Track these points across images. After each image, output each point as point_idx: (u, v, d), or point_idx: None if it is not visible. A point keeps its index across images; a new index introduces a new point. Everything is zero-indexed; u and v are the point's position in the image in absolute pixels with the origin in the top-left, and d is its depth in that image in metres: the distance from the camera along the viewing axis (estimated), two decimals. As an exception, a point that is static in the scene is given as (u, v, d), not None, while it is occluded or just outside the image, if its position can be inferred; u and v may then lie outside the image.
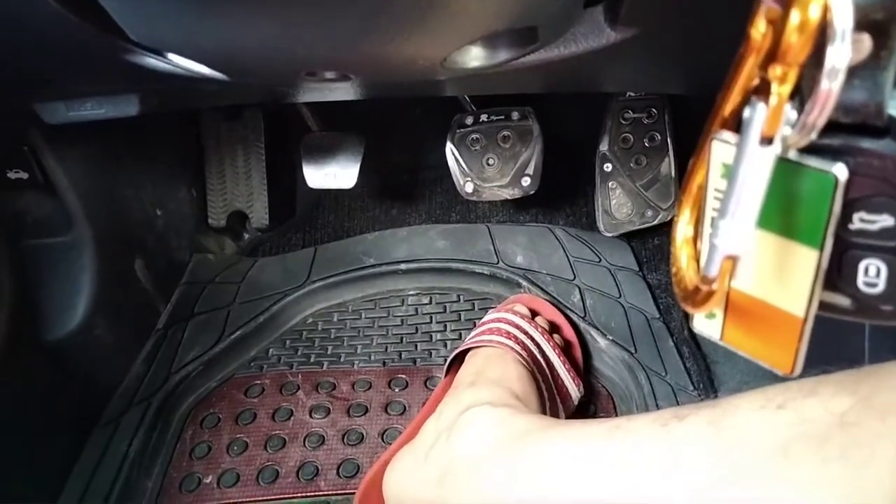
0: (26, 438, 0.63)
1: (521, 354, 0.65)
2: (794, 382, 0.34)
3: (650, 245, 0.87)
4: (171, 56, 0.38)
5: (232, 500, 0.65)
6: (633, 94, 0.81)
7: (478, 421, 0.52)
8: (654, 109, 0.81)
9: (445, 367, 0.70)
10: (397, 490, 0.57)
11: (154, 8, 0.28)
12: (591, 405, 0.76)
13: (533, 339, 0.69)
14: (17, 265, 0.65)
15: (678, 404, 0.71)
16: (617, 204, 0.84)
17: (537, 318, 0.74)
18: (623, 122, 0.82)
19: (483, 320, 0.74)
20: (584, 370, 0.76)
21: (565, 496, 0.41)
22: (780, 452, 0.31)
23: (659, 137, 0.82)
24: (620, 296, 0.81)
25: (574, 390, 0.70)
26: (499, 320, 0.71)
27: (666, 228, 0.83)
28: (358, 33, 0.31)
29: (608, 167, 0.83)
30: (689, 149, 0.28)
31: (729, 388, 0.73)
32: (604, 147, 0.82)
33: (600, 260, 0.84)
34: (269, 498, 0.65)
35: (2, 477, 0.59)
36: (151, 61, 0.38)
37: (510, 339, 0.67)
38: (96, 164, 0.69)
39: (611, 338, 0.76)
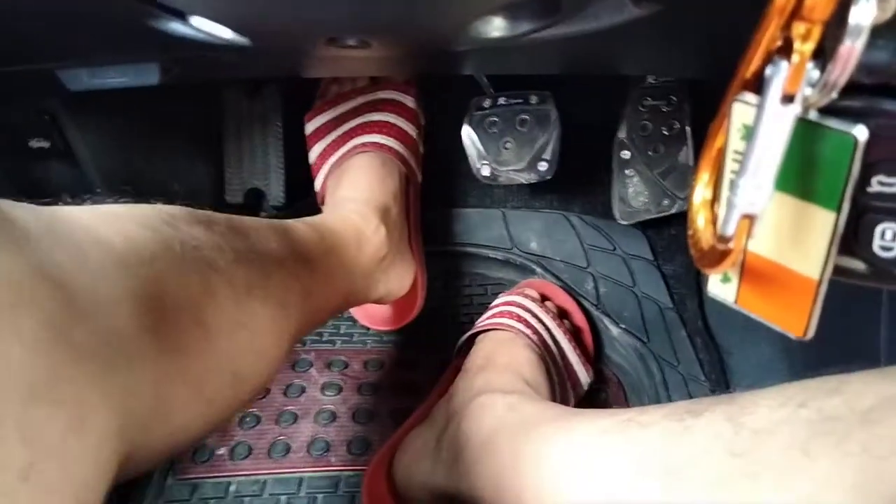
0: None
1: (531, 339, 0.65)
2: (813, 381, 0.34)
3: (666, 234, 0.86)
4: (195, 20, 0.38)
5: (243, 472, 0.66)
6: (652, 80, 0.80)
7: (489, 407, 0.52)
8: (673, 97, 0.81)
9: (456, 349, 0.71)
10: (407, 472, 0.57)
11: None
12: (602, 392, 0.76)
13: (543, 323, 0.69)
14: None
15: (689, 394, 0.71)
16: (634, 192, 0.83)
17: (547, 303, 0.74)
18: (642, 109, 0.81)
19: (494, 303, 0.74)
20: (596, 358, 0.76)
21: (576, 489, 0.40)
22: (800, 450, 0.30)
23: (678, 126, 0.81)
24: (634, 285, 0.80)
25: (584, 376, 0.70)
26: (510, 303, 0.71)
27: (682, 218, 0.83)
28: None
29: (626, 154, 0.82)
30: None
31: (742, 379, 0.72)
32: (622, 134, 0.82)
33: (615, 248, 0.84)
34: (280, 471, 0.66)
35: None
36: (175, 26, 0.39)
37: (521, 322, 0.67)
38: (117, 134, 0.69)
39: (623, 326, 0.76)
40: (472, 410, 0.53)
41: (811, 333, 0.27)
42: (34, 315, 0.24)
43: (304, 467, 0.66)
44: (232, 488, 0.65)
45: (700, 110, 0.81)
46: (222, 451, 0.68)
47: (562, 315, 0.74)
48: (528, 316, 0.68)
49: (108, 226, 0.33)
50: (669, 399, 0.70)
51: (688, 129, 0.81)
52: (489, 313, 0.72)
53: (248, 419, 0.70)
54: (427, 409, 0.64)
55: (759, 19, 0.23)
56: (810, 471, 0.30)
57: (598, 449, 0.41)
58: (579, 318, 0.77)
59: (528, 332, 0.66)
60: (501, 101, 0.79)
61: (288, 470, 0.66)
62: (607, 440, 0.41)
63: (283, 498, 0.64)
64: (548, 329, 0.69)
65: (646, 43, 0.49)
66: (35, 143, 0.62)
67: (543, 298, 0.75)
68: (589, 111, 0.84)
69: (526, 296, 0.72)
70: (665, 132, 0.81)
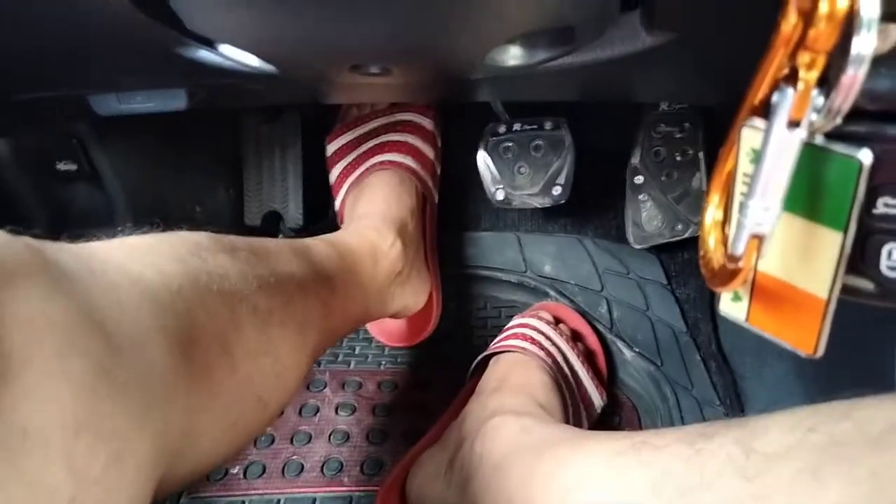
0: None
1: (545, 361, 0.66)
2: (825, 405, 0.34)
3: (679, 259, 0.86)
4: (223, 48, 0.39)
5: (257, 492, 0.66)
6: (666, 107, 0.81)
7: (502, 428, 0.52)
8: (687, 124, 0.82)
9: (470, 371, 0.71)
10: (420, 493, 0.58)
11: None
12: (616, 416, 0.75)
13: (557, 346, 0.69)
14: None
15: (703, 418, 0.71)
16: (647, 216, 0.84)
17: (561, 326, 0.74)
18: (655, 135, 0.82)
19: (508, 325, 0.74)
20: (609, 381, 0.76)
21: None
22: (811, 474, 0.30)
23: (691, 152, 0.82)
24: (648, 309, 0.81)
25: (597, 399, 0.70)
26: (524, 325, 0.71)
27: (696, 243, 0.83)
28: (406, 26, 0.32)
29: (639, 179, 0.83)
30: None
31: (756, 403, 0.72)
32: (635, 160, 0.83)
33: (629, 272, 0.84)
34: (293, 491, 0.66)
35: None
36: (203, 54, 0.40)
37: (535, 345, 0.67)
38: (141, 159, 0.71)
39: (637, 350, 0.76)
40: (486, 432, 0.53)
41: (821, 351, 0.27)
42: (81, 358, 0.26)
43: (317, 487, 0.67)
44: (246, 508, 0.65)
45: (713, 137, 0.82)
46: (236, 469, 0.68)
47: (575, 338, 0.75)
48: (541, 339, 0.69)
49: (138, 261, 0.35)
50: (683, 423, 0.70)
51: (701, 154, 0.82)
52: (503, 335, 0.72)
53: (262, 438, 0.71)
54: (440, 431, 0.64)
55: (767, 48, 0.24)
56: (821, 496, 0.30)
57: (611, 470, 0.41)
58: (593, 342, 0.77)
59: (542, 354, 0.66)
60: (516, 126, 0.80)
61: (301, 489, 0.66)
62: (620, 461, 0.41)
63: (295, 518, 0.65)
64: (561, 352, 0.69)
65: (660, 71, 0.50)
66: (62, 166, 0.64)
67: (557, 321, 0.75)
68: (603, 137, 0.85)
69: (540, 318, 0.73)
70: (678, 158, 0.82)
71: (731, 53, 0.44)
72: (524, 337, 0.68)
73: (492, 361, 0.68)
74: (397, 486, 0.60)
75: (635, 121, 0.83)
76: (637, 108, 0.82)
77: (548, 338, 0.70)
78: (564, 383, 0.66)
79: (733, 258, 0.25)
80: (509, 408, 0.56)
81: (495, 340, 0.72)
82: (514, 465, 0.47)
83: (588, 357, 0.73)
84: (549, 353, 0.67)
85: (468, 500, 0.50)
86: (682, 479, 0.36)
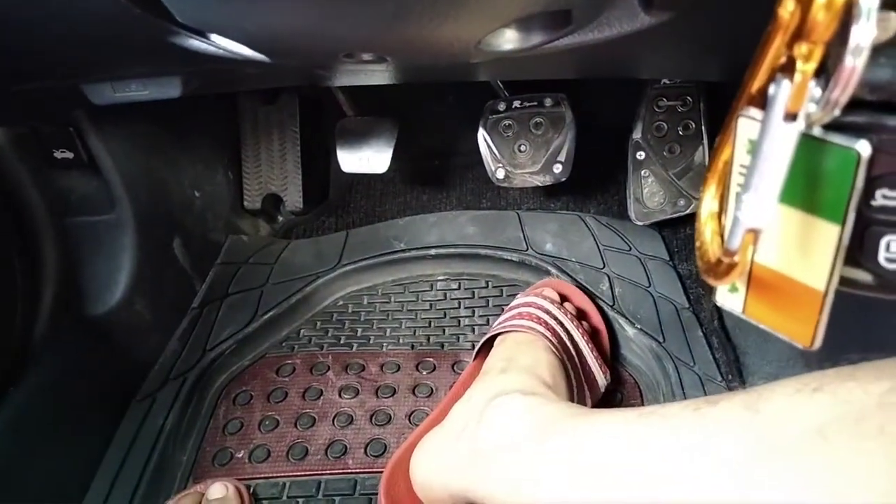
0: (70, 408, 0.65)
1: (551, 341, 0.66)
2: (830, 370, 0.34)
3: (681, 234, 0.86)
4: (214, 38, 0.39)
5: (262, 475, 0.67)
6: (667, 81, 0.80)
7: (508, 408, 0.52)
8: (688, 97, 0.81)
9: (475, 351, 0.71)
10: (426, 473, 0.58)
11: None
12: (618, 393, 0.76)
13: (562, 325, 0.69)
14: (61, 241, 0.67)
15: (706, 394, 0.71)
16: (649, 192, 0.83)
17: (566, 304, 0.74)
18: (657, 109, 0.81)
19: (512, 304, 0.74)
20: (612, 358, 0.77)
21: (596, 476, 0.41)
22: (816, 433, 0.30)
23: (693, 126, 0.81)
24: (650, 285, 0.80)
25: (601, 378, 0.70)
26: (529, 304, 0.71)
27: (698, 218, 0.83)
28: (395, 15, 0.31)
29: (641, 155, 0.82)
30: (723, 136, 0.28)
31: (757, 379, 0.72)
32: (637, 135, 0.82)
33: (630, 249, 0.84)
34: (298, 474, 0.67)
35: (45, 445, 0.61)
36: (195, 43, 0.40)
37: (540, 324, 0.67)
38: (138, 145, 0.71)
39: (639, 327, 0.76)
40: (492, 411, 0.53)
41: (818, 343, 0.27)
42: None
43: (322, 470, 0.67)
44: (251, 491, 0.66)
45: (716, 110, 0.81)
46: (242, 454, 0.69)
47: (580, 316, 0.74)
48: (547, 318, 0.69)
49: None
50: (685, 399, 0.70)
51: (703, 129, 0.81)
52: (508, 314, 0.72)
53: (266, 422, 0.71)
54: (444, 410, 0.64)
55: (765, 35, 0.24)
56: (827, 452, 0.30)
57: (618, 439, 0.41)
58: (597, 320, 0.77)
59: (548, 334, 0.66)
60: (516, 104, 0.79)
61: (306, 473, 0.67)
62: (627, 430, 0.41)
63: (301, 500, 0.65)
64: (567, 331, 0.69)
65: (659, 48, 0.49)
66: (59, 154, 0.64)
67: (562, 299, 0.75)
68: (604, 113, 0.84)
69: (545, 297, 0.73)
70: (680, 132, 0.82)
71: (729, 31, 0.43)
72: (530, 316, 0.68)
73: (497, 341, 0.68)
74: (402, 466, 0.61)
75: (637, 96, 0.82)
76: (638, 83, 0.81)
77: (553, 317, 0.69)
78: (570, 363, 0.66)
79: (729, 252, 0.24)
80: (515, 388, 0.56)
81: (500, 319, 0.72)
82: (521, 444, 0.48)
83: (592, 336, 0.73)
84: (554, 333, 0.67)
85: (475, 479, 0.51)
86: (687, 442, 0.37)
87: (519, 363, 0.61)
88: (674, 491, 0.36)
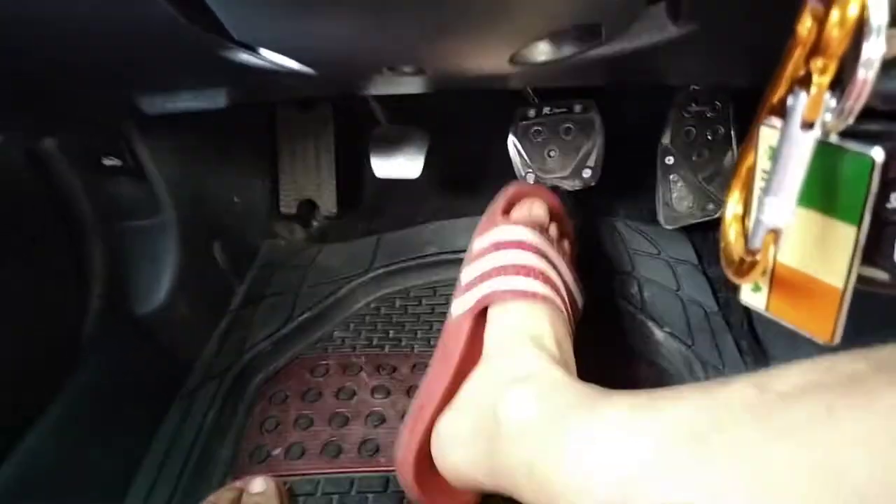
0: (115, 405, 0.68)
1: (556, 303, 0.61)
2: (843, 353, 0.34)
3: (711, 238, 0.86)
4: (264, 52, 0.41)
5: (298, 472, 0.69)
6: (696, 86, 0.81)
7: (521, 395, 0.52)
8: (717, 103, 0.81)
9: (472, 315, 0.62)
10: (451, 459, 0.57)
11: (262, 10, 0.31)
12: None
13: (556, 269, 0.64)
14: (110, 244, 0.70)
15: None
16: (678, 197, 0.84)
17: (551, 227, 0.69)
18: (686, 115, 0.82)
19: (498, 238, 0.65)
20: (639, 360, 0.77)
21: (605, 462, 0.41)
22: (826, 410, 0.30)
23: (722, 131, 0.82)
24: (679, 289, 0.81)
25: (580, 298, 0.67)
26: (522, 244, 0.63)
27: (727, 223, 0.83)
28: (438, 31, 0.33)
29: (670, 160, 0.83)
30: (751, 142, 0.29)
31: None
32: (666, 140, 0.82)
33: (659, 252, 0.85)
34: (332, 471, 0.69)
35: (91, 442, 0.64)
36: (245, 56, 0.42)
37: (540, 279, 0.61)
38: (182, 153, 0.74)
39: (668, 330, 0.77)
40: (506, 400, 0.52)
41: (837, 339, 0.28)
42: None
43: (355, 468, 0.69)
44: (287, 488, 0.67)
45: (744, 115, 0.81)
46: (278, 451, 0.71)
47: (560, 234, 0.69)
48: (545, 267, 0.62)
49: None
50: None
51: (732, 134, 0.81)
52: (500, 261, 0.62)
53: (301, 421, 0.73)
54: (451, 391, 0.60)
55: (785, 50, 0.25)
56: (836, 430, 0.30)
57: (628, 422, 0.41)
58: (567, 226, 0.72)
59: (553, 295, 0.61)
60: (546, 110, 0.80)
61: (340, 470, 0.69)
62: (637, 414, 0.41)
63: (335, 497, 0.66)
64: (560, 275, 0.64)
65: (688, 56, 0.50)
66: (108, 161, 0.67)
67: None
68: (632, 118, 0.84)
69: (534, 226, 0.65)
70: (709, 137, 0.82)
71: (757, 39, 0.44)
72: (527, 272, 0.61)
73: (499, 311, 0.61)
74: (425, 454, 0.59)
75: (665, 101, 0.82)
76: (667, 88, 0.81)
77: (549, 261, 0.63)
78: (566, 311, 0.62)
79: (751, 252, 0.26)
80: (529, 371, 0.55)
81: (491, 263, 0.63)
82: (535, 431, 0.48)
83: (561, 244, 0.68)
84: (554, 288, 0.62)
85: (494, 466, 0.52)
86: (697, 422, 0.36)
87: (527, 338, 0.58)
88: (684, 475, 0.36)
